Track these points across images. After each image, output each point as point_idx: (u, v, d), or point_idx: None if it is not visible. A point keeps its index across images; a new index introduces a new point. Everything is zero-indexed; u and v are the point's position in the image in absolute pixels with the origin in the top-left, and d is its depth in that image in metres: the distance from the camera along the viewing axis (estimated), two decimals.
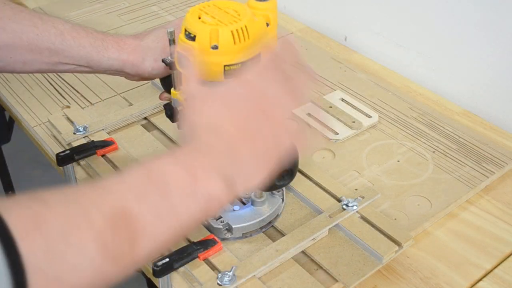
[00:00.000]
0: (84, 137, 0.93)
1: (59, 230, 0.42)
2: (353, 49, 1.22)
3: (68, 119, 0.96)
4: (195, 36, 0.65)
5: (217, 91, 0.57)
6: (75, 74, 1.08)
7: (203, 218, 0.51)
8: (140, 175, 0.49)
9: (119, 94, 1.06)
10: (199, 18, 0.66)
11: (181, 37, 0.67)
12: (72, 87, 1.08)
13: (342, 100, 1.03)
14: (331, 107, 1.00)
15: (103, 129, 0.94)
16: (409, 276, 0.74)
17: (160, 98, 0.85)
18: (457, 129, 0.97)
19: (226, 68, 0.65)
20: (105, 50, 0.79)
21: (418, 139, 0.95)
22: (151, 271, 0.69)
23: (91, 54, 0.79)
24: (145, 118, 0.99)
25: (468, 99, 1.06)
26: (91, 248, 0.43)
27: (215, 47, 0.65)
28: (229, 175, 0.51)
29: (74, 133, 0.93)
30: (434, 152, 0.92)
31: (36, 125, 0.99)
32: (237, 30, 0.64)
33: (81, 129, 0.93)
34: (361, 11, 1.20)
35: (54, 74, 1.11)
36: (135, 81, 0.86)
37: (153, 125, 0.98)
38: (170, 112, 0.77)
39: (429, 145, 0.94)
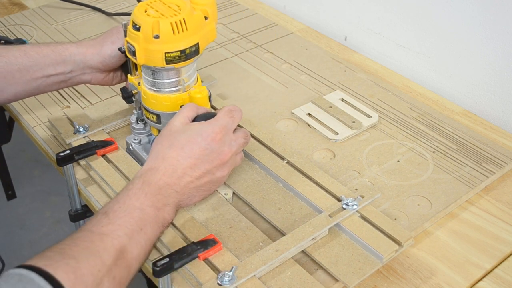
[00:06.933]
0: (84, 137, 0.93)
1: (90, 277, 0.60)
2: (353, 49, 1.22)
3: (68, 119, 0.96)
4: (140, 27, 0.76)
5: (186, 135, 0.74)
6: None
7: (159, 234, 0.72)
8: (126, 216, 0.68)
9: (119, 94, 1.05)
10: (145, 11, 0.77)
11: (129, 28, 0.78)
12: (72, 87, 1.08)
13: (342, 100, 1.03)
14: (331, 107, 1.01)
15: (103, 129, 0.94)
16: (409, 276, 0.74)
17: (126, 85, 0.92)
18: (457, 129, 0.97)
19: (167, 55, 0.76)
20: (65, 50, 0.88)
21: (418, 139, 0.95)
22: (151, 271, 0.69)
23: (55, 59, 0.88)
24: None
25: (468, 99, 1.06)
26: (106, 282, 0.62)
27: (157, 37, 0.75)
28: (179, 205, 0.75)
29: (74, 133, 0.93)
30: (434, 152, 0.92)
31: (36, 125, 0.99)
32: (176, 22, 0.75)
33: (81, 129, 0.93)
34: (361, 11, 1.20)
35: None
36: (109, 84, 0.94)
37: None
38: (126, 94, 0.87)
39: (429, 145, 0.94)
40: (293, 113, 1.00)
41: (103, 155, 0.89)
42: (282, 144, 0.91)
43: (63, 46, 0.88)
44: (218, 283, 0.69)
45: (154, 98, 0.81)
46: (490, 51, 1.00)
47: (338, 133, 0.95)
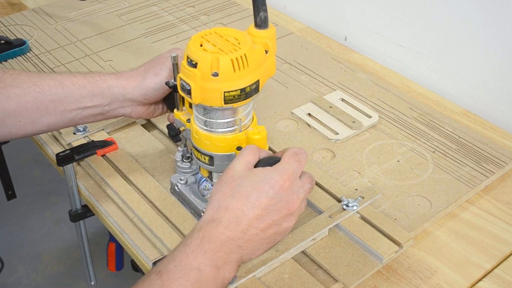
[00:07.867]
0: (84, 137, 0.93)
1: None
2: (353, 49, 1.22)
3: None
4: (196, 63, 0.68)
5: (251, 183, 0.68)
6: None
7: None
8: (182, 277, 0.62)
9: None
10: (201, 45, 0.69)
11: (183, 63, 0.70)
12: None
13: (342, 100, 1.03)
14: (331, 107, 1.01)
15: (103, 129, 0.95)
16: (409, 276, 0.74)
17: (168, 119, 0.86)
18: (457, 129, 0.97)
19: (226, 94, 0.68)
20: (103, 82, 0.82)
21: (418, 139, 0.95)
22: None
23: (92, 90, 0.81)
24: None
25: (468, 99, 1.06)
26: None
27: (216, 74, 0.68)
28: (242, 260, 0.68)
29: (74, 133, 0.93)
30: (434, 152, 0.92)
31: None
32: (236, 58, 0.67)
33: (81, 129, 0.93)
34: (361, 11, 1.20)
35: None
36: (150, 117, 0.88)
37: (153, 125, 0.98)
38: (174, 132, 0.80)
39: (429, 145, 0.94)
40: (293, 113, 1.00)
41: (103, 155, 0.89)
42: (282, 144, 0.91)
43: (101, 77, 0.82)
44: None
45: (208, 139, 0.74)
46: (490, 51, 1.00)
47: (338, 133, 0.95)
